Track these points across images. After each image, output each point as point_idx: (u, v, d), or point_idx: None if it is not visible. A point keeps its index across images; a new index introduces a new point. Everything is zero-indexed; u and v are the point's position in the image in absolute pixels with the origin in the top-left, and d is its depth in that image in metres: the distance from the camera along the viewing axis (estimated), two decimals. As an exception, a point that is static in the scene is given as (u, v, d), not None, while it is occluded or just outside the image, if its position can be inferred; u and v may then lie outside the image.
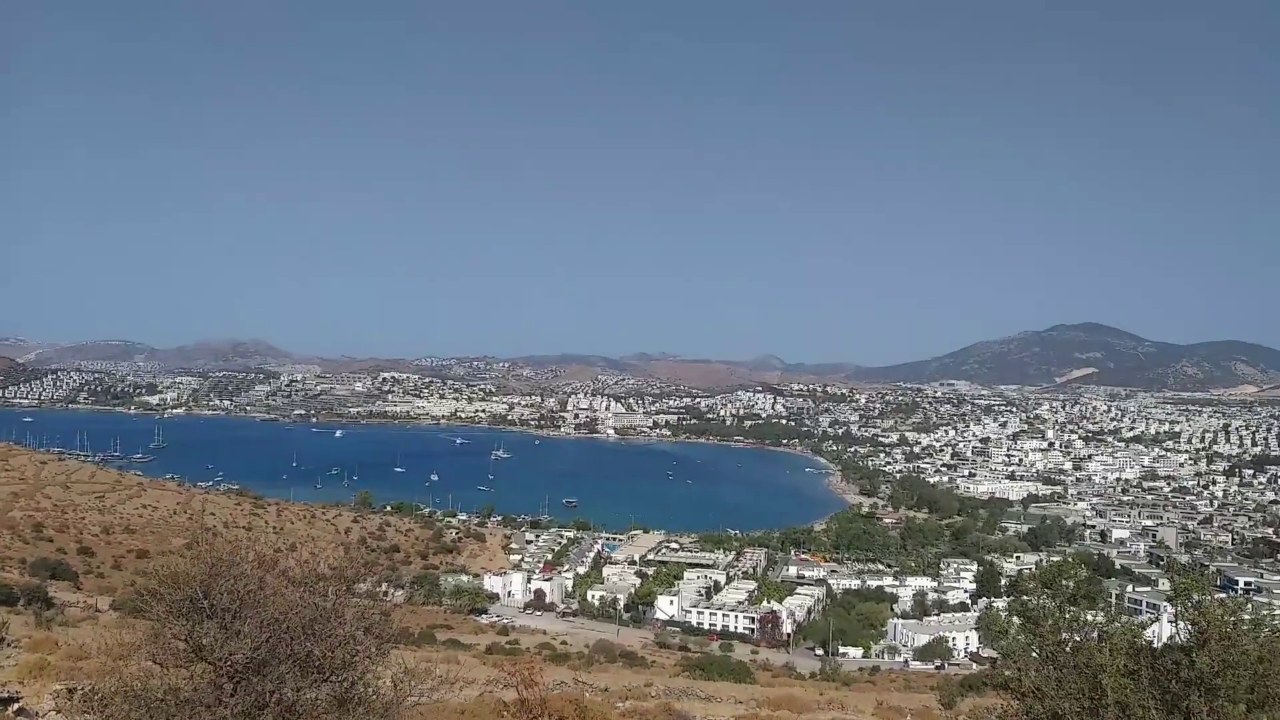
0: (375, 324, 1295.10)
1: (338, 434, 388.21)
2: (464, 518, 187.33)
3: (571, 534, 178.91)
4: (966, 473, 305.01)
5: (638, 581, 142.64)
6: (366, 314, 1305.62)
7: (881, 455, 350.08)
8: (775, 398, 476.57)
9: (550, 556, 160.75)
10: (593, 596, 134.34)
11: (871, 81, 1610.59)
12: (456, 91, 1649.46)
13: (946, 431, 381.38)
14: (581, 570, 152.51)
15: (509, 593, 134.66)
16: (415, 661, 16.00)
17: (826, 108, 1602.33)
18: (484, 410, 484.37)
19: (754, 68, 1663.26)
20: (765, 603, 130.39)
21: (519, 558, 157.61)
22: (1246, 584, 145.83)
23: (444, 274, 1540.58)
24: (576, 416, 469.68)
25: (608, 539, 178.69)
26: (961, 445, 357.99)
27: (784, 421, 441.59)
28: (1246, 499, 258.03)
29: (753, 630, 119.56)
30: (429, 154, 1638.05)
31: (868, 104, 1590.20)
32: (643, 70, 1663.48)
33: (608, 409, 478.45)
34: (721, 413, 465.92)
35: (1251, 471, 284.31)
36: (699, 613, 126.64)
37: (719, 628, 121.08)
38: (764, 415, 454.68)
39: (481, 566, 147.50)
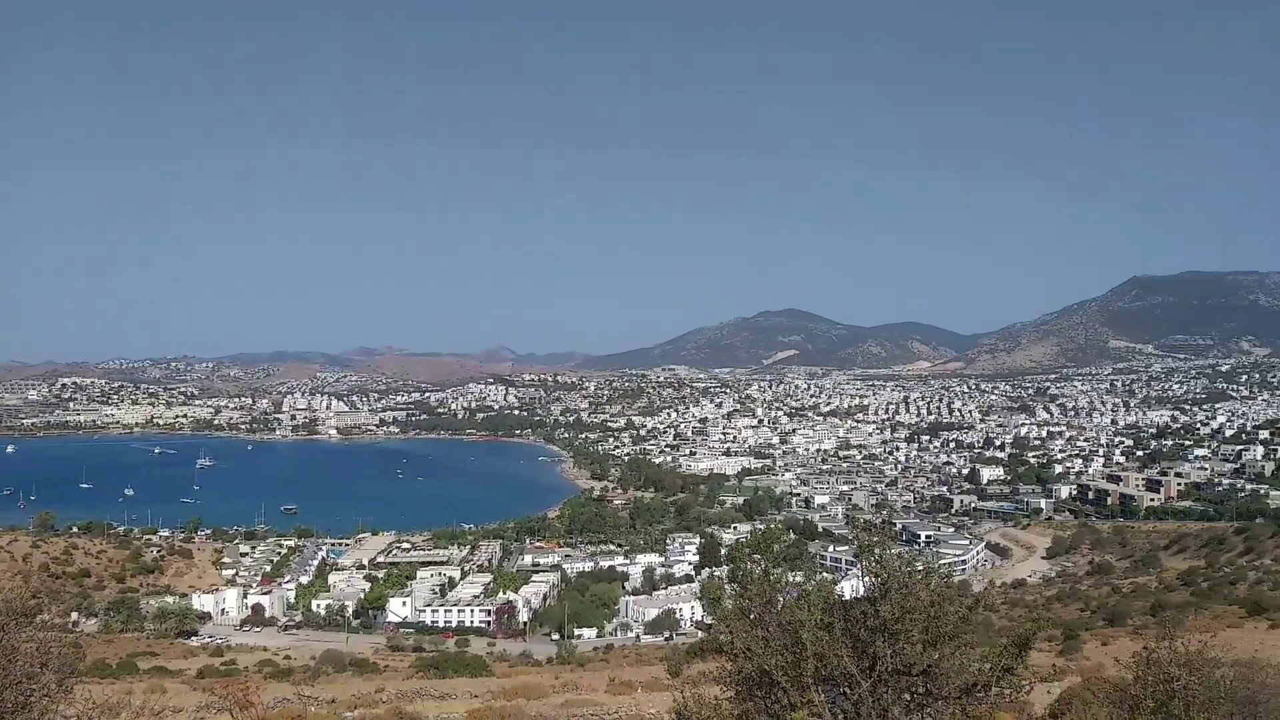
0: (50, 324, 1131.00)
1: (9, 449, 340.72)
2: (166, 534, 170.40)
3: (292, 542, 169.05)
4: (688, 452, 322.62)
5: (367, 586, 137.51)
6: (38, 312, 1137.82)
7: (610, 440, 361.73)
8: (507, 389, 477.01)
9: (269, 568, 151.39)
10: (318, 606, 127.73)
11: (600, 69, 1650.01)
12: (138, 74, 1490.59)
13: (669, 414, 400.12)
14: (305, 580, 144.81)
15: (223, 610, 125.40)
16: (111, 695, 14.52)
17: (565, 97, 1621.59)
18: (186, 415, 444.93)
19: (479, 55, 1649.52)
20: (501, 594, 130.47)
21: (233, 572, 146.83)
22: (927, 537, 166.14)
23: (129, 267, 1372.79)
24: (294, 418, 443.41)
25: (333, 545, 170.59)
26: (683, 426, 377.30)
27: (516, 412, 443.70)
28: (924, 462, 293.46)
29: (489, 623, 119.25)
30: (117, 142, 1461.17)
31: (594, 96, 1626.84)
32: (381, 61, 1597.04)
33: (329, 408, 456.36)
34: (453, 406, 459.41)
35: (928, 437, 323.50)
36: (434, 611, 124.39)
37: (455, 624, 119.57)
38: (496, 407, 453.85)
39: (190, 585, 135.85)
